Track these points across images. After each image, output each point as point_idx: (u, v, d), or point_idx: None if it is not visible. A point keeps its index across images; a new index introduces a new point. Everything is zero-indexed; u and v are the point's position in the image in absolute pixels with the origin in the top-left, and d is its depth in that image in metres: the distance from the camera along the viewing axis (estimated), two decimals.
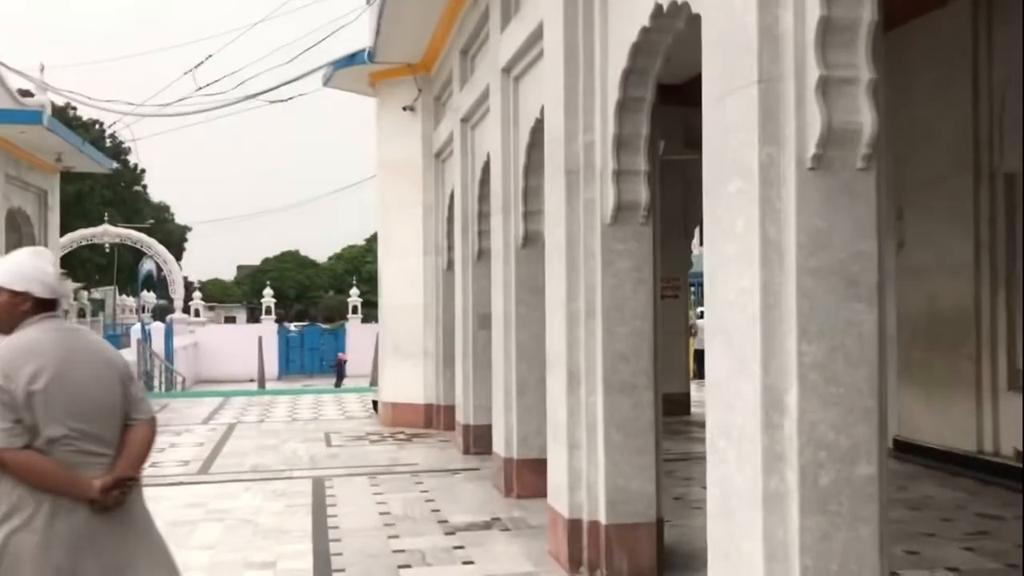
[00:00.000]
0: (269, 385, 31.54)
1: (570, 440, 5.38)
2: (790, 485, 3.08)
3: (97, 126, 36.64)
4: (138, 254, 37.69)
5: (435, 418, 11.41)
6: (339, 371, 26.97)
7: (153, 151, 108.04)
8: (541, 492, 6.63)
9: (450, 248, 11.19)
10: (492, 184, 7.92)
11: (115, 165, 17.72)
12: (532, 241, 7.42)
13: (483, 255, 9.29)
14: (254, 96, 11.13)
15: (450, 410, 11.23)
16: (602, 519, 5.16)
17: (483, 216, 9.19)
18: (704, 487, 3.54)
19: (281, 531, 6.33)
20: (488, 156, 8.37)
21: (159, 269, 35.12)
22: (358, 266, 64.84)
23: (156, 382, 23.27)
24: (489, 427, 8.95)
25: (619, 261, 5.20)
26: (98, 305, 47.21)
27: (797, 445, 3.07)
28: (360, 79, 11.69)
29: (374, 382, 24.90)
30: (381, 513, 6.84)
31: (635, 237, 5.20)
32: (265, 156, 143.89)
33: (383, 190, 12.00)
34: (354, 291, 38.93)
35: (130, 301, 51.89)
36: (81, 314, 46.48)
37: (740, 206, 3.26)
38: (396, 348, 11.79)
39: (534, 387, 7.35)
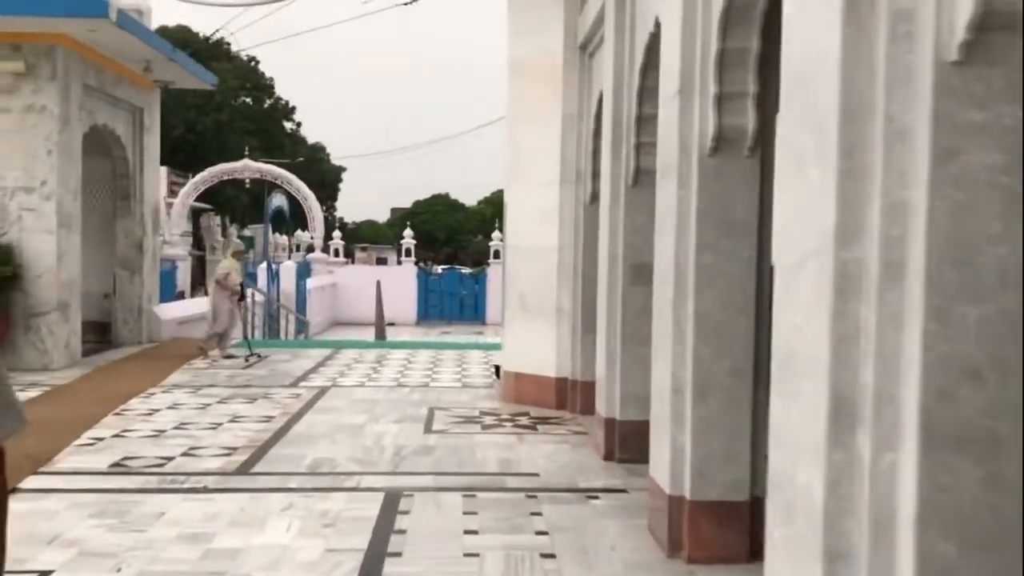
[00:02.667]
0: (405, 331, 29.91)
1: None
2: None
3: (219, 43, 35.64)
4: (283, 192, 36.72)
5: (569, 397, 8.70)
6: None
7: (295, 87, 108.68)
8: (731, 554, 4.50)
9: (595, 175, 8.36)
10: (666, 58, 5.00)
11: (216, 80, 15.63)
12: (730, 145, 4.50)
13: (642, 178, 6.42)
14: None
15: (590, 388, 8.48)
16: None
17: (644, 122, 6.30)
18: None
19: None
20: (657, 22, 5.44)
21: (297, 206, 33.85)
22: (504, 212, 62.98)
23: (281, 327, 21.67)
24: (644, 425, 6.26)
25: None
26: (248, 243, 47.17)
27: None
28: None
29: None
30: None
31: None
32: (410, 89, 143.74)
33: (513, 99, 9.20)
34: (496, 235, 36.60)
35: (284, 240, 51.80)
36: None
37: None
38: (523, 302, 9.12)
39: (723, 386, 4.54)
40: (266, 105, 49.43)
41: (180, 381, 10.30)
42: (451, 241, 73.40)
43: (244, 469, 6.25)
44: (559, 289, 8.77)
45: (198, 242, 42.02)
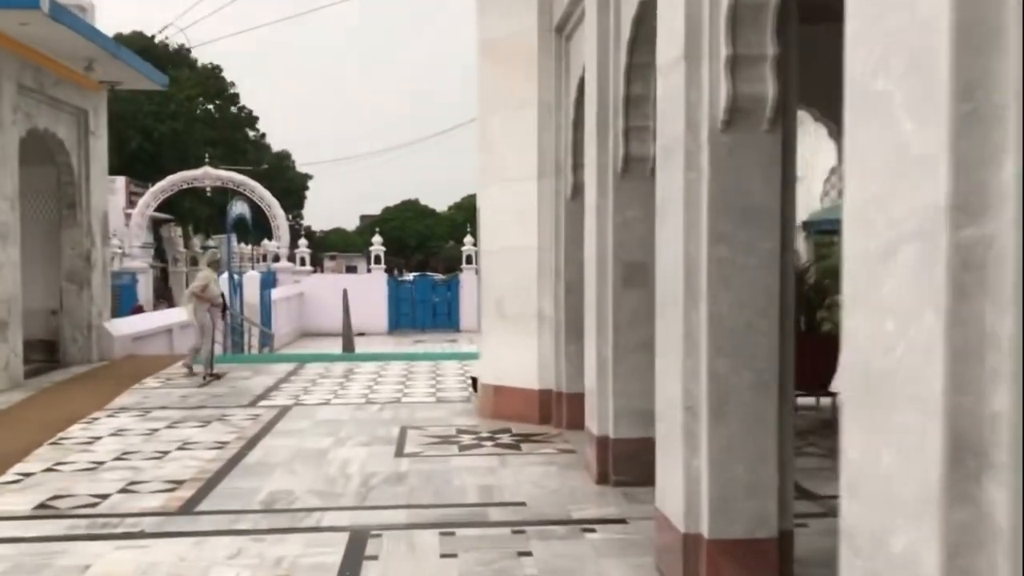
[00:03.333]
0: (377, 341, 29.03)
1: None
2: None
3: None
4: (246, 200, 35.64)
5: (555, 411, 8.00)
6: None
7: (258, 94, 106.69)
8: None
9: (577, 168, 7.69)
10: (665, 20, 4.30)
11: (166, 80, 14.76)
12: (747, 118, 3.82)
13: (633, 166, 5.75)
14: None
15: (576, 401, 7.81)
16: None
17: (633, 103, 5.62)
18: None
19: None
20: None
21: (261, 214, 32.86)
22: (476, 215, 62.31)
23: (245, 340, 20.75)
24: (642, 443, 5.64)
25: None
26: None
27: None
28: None
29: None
30: None
31: None
32: (378, 92, 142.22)
33: (484, 86, 8.50)
34: (468, 239, 35.86)
35: (248, 250, 50.62)
36: (193, 262, 45.45)
37: None
38: (500, 309, 8.41)
39: (744, 403, 3.85)
40: (231, 111, 48.35)
41: (128, 403, 9.46)
42: (422, 248, 72.96)
43: (188, 508, 5.46)
44: (540, 294, 8.07)
45: (160, 254, 40.92)
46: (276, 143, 57.65)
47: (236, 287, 22.27)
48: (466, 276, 34.80)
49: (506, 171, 8.26)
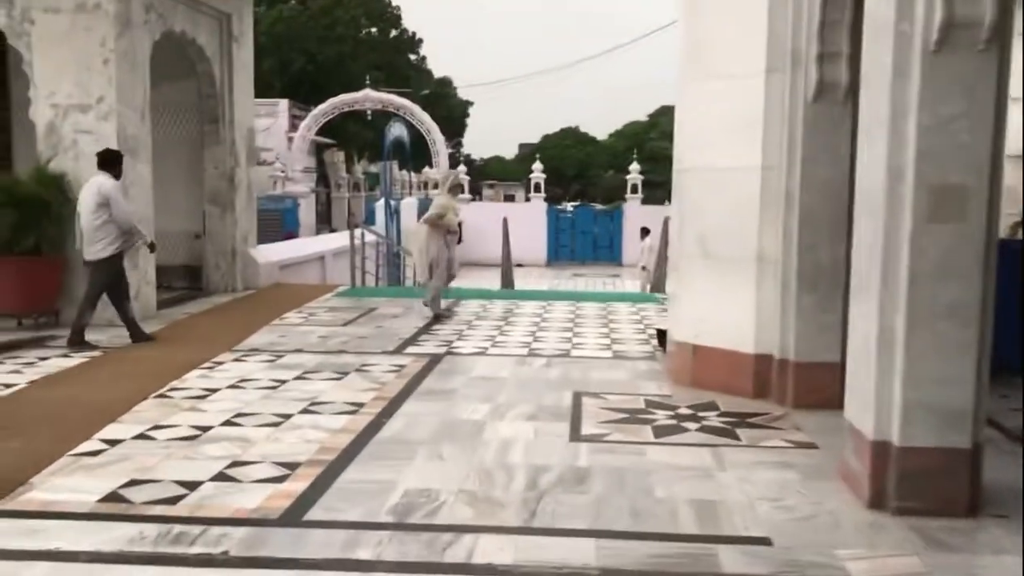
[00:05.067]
0: (534, 274, 27.54)
1: None
2: None
3: None
4: (406, 125, 34.63)
5: (776, 383, 6.08)
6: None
7: (416, 14, 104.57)
8: None
9: (826, 58, 5.65)
10: None
11: None
12: None
13: (956, 36, 3.69)
14: None
15: (810, 372, 5.91)
16: None
17: None
18: None
19: None
20: None
21: (420, 140, 31.76)
22: (640, 143, 59.65)
23: (402, 270, 19.60)
24: (946, 456, 3.76)
25: None
26: (374, 180, 45.69)
27: None
28: None
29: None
30: None
31: None
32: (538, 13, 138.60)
33: None
34: (634, 167, 33.61)
35: (411, 177, 50.08)
36: (356, 187, 45.31)
37: None
38: (704, 248, 6.51)
39: None
40: (391, 36, 47.50)
41: (261, 343, 8.25)
42: (580, 177, 70.97)
43: (295, 513, 3.98)
44: (762, 228, 6.11)
45: (323, 180, 40.84)
46: (437, 69, 56.59)
47: (393, 214, 21.20)
48: (630, 206, 32.71)
49: (721, 63, 6.26)
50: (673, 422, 5.58)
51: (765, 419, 5.67)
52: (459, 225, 10.35)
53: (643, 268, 19.89)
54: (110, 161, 8.13)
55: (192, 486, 4.29)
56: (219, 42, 11.66)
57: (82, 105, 9.01)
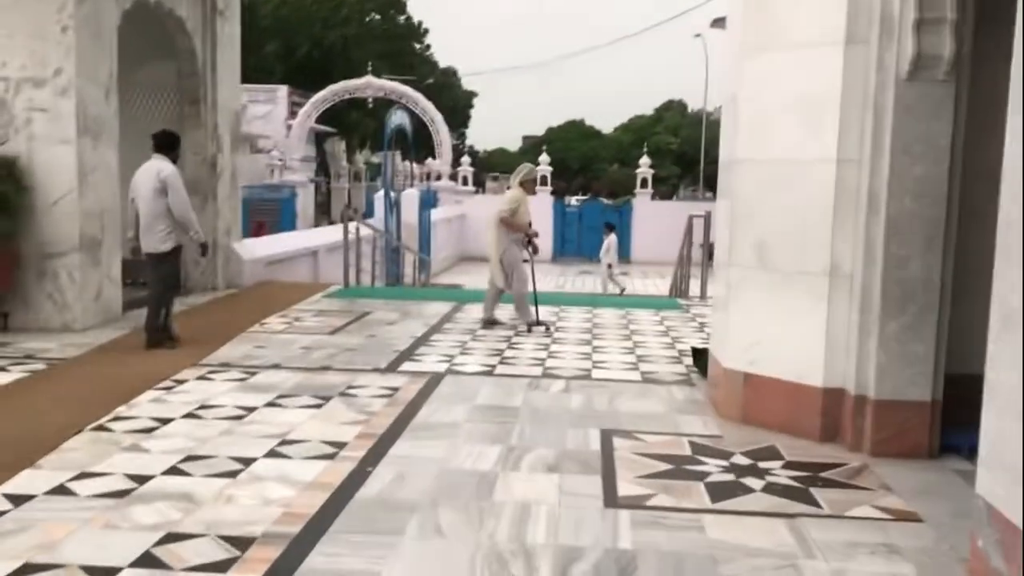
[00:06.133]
0: (540, 270, 26.39)
1: None
2: None
3: None
4: (409, 115, 33.43)
5: (850, 423, 4.97)
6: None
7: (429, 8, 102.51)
8: None
9: (926, 24, 4.54)
10: None
11: None
12: None
13: None
14: None
15: (896, 412, 4.82)
16: None
17: None
18: None
19: None
20: None
21: (424, 129, 30.57)
22: (645, 137, 58.57)
23: (401, 267, 18.43)
24: None
25: None
26: (375, 170, 44.52)
27: None
28: None
29: None
30: None
31: None
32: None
33: None
34: (644, 160, 32.45)
35: (413, 168, 48.88)
36: (356, 177, 44.16)
37: None
38: (760, 255, 5.39)
39: None
40: (397, 24, 46.26)
41: (234, 357, 7.15)
42: (585, 170, 69.91)
43: None
44: (836, 236, 4.99)
45: (324, 169, 39.65)
46: (442, 58, 55.44)
47: (393, 206, 20.04)
48: (639, 202, 31.58)
49: (788, 31, 5.13)
50: (730, 476, 4.47)
51: (842, 473, 4.56)
52: (529, 224, 9.08)
53: (609, 266, 20.65)
54: (167, 144, 7.33)
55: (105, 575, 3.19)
56: (202, 15, 10.54)
57: (36, 79, 7.90)
